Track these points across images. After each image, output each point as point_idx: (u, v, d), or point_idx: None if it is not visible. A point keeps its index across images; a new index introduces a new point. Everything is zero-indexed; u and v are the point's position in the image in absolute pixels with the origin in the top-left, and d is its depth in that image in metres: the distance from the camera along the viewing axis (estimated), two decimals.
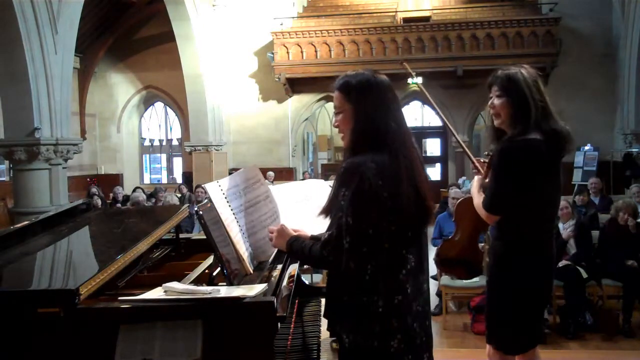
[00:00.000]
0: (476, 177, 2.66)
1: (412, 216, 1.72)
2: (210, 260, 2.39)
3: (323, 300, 2.46)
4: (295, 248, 1.85)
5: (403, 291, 1.71)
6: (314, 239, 1.86)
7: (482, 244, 4.97)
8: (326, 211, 1.78)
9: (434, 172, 15.53)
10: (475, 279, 4.72)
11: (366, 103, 1.76)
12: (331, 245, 1.70)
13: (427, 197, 1.76)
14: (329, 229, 1.74)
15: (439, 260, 3.46)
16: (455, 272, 3.33)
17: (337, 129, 1.86)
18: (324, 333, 2.18)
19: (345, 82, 1.80)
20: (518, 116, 2.33)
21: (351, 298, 1.73)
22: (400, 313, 1.71)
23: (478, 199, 2.49)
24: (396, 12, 13.81)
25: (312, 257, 1.79)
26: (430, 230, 5.89)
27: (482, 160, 2.66)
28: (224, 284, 1.92)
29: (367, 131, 1.75)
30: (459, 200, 2.93)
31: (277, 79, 13.57)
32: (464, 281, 5.08)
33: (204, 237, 2.05)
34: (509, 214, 2.35)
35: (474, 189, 2.61)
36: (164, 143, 16.49)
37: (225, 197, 2.01)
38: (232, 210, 2.01)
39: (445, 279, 5.33)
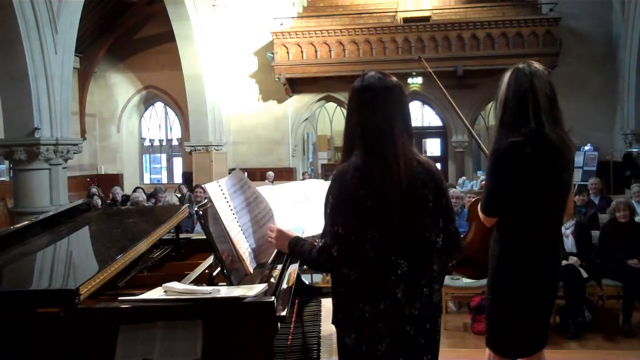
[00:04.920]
0: None
1: (401, 222, 1.71)
2: (210, 260, 2.39)
3: (323, 300, 2.46)
4: (297, 251, 1.88)
5: (391, 297, 1.72)
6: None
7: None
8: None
9: None
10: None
11: (350, 107, 1.83)
12: (326, 252, 1.74)
13: (401, 202, 1.72)
14: (322, 236, 1.77)
15: None
16: (466, 272, 3.29)
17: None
18: (324, 333, 2.18)
19: None
20: (502, 117, 2.33)
21: (343, 302, 1.77)
22: (389, 318, 1.72)
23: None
24: (396, 12, 13.81)
25: (311, 261, 1.82)
26: None
27: None
28: (224, 284, 1.92)
29: (348, 135, 1.80)
30: (473, 200, 2.91)
31: (277, 79, 13.57)
32: (464, 281, 5.08)
33: (204, 237, 2.05)
34: (504, 215, 2.34)
35: None
36: (164, 143, 16.50)
37: (225, 197, 2.01)
38: (231, 209, 2.01)
39: (445, 279, 5.32)
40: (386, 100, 1.77)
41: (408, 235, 1.74)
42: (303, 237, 2.00)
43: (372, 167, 1.71)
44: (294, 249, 1.88)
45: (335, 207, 1.72)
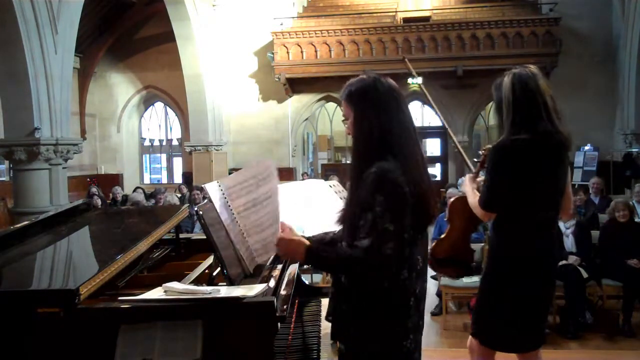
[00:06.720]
0: (468, 176, 2.70)
1: (421, 219, 1.77)
2: (210, 260, 2.39)
3: (323, 301, 2.46)
4: (321, 257, 1.76)
5: (415, 293, 1.76)
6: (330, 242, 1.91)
7: (483, 244, 4.99)
8: (343, 219, 1.80)
9: (434, 172, 15.53)
10: (476, 279, 4.71)
11: (366, 108, 1.78)
12: (374, 251, 1.64)
13: (430, 198, 1.78)
14: (367, 235, 1.66)
15: (433, 260, 3.43)
16: (447, 271, 3.33)
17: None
18: (324, 333, 2.18)
19: (347, 90, 1.84)
20: (513, 118, 2.37)
21: (369, 301, 1.73)
22: (413, 314, 1.76)
23: (473, 198, 2.53)
24: (396, 12, 13.80)
25: (351, 264, 1.69)
26: (430, 230, 5.87)
27: (475, 160, 2.75)
28: (224, 284, 1.92)
29: (370, 135, 1.76)
30: (452, 199, 2.90)
31: (277, 79, 13.56)
32: (464, 281, 5.08)
33: (204, 237, 2.04)
34: (503, 211, 2.38)
35: (468, 187, 2.64)
36: (164, 143, 16.49)
37: (225, 197, 2.01)
38: (231, 210, 2.01)
39: (446, 279, 5.33)
40: (388, 100, 1.80)
41: (422, 231, 1.81)
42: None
43: (406, 166, 1.72)
44: (313, 256, 1.75)
45: (389, 205, 1.65)
